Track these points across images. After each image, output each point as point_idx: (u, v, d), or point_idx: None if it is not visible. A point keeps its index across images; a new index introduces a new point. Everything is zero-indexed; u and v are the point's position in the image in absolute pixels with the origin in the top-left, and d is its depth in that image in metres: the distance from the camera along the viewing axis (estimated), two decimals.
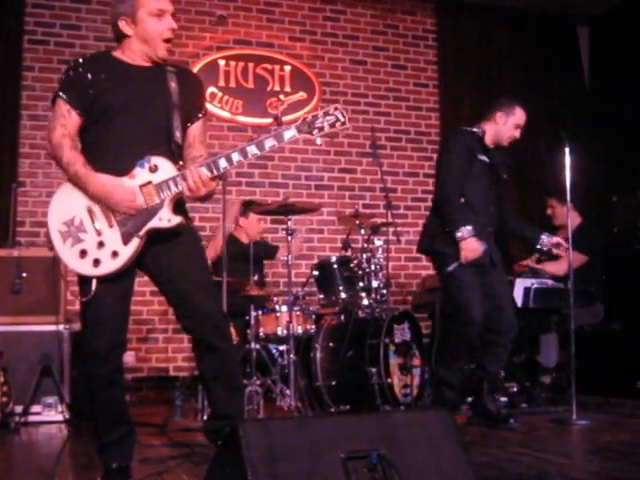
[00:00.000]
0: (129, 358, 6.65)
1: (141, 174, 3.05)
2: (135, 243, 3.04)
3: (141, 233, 3.04)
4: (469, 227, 4.62)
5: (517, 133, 4.89)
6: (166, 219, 3.05)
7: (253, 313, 5.38)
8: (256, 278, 5.59)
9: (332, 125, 3.10)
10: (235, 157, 3.06)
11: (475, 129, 4.92)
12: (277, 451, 2.37)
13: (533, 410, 5.43)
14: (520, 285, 5.57)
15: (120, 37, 3.20)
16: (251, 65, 7.43)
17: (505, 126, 4.86)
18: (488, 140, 4.89)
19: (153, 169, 3.06)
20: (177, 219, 3.07)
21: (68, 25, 6.96)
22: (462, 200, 4.74)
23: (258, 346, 5.29)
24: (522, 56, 8.15)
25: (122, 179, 3.03)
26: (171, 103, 3.15)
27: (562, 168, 4.98)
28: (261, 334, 5.48)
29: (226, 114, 7.32)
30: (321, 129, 3.10)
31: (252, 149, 3.06)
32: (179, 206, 3.17)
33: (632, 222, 6.16)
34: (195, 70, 7.17)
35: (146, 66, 3.19)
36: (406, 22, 8.03)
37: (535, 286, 5.59)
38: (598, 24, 8.40)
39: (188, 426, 4.89)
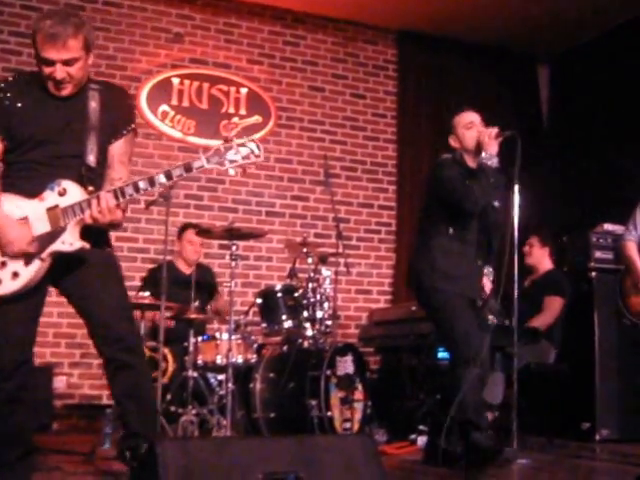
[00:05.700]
0: (59, 384, 6.34)
1: (50, 197, 3.11)
2: (36, 265, 3.07)
3: (43, 255, 3.07)
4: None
5: (473, 132, 4.53)
6: (68, 243, 3.09)
7: (192, 339, 5.19)
8: (197, 304, 5.39)
9: (246, 157, 3.07)
10: (142, 185, 3.06)
11: (447, 155, 4.61)
12: (194, 471, 2.33)
13: None
14: None
15: None
16: (206, 85, 7.22)
17: (460, 137, 4.54)
18: (468, 161, 4.55)
19: (62, 193, 3.10)
20: (79, 244, 3.10)
21: (16, 32, 6.68)
22: (450, 230, 4.44)
23: (196, 374, 5.12)
24: (480, 91, 7.96)
25: (32, 202, 3.09)
26: (88, 126, 3.18)
27: (511, 207, 4.81)
28: (199, 362, 5.27)
29: (177, 134, 7.09)
30: (233, 161, 3.06)
31: (160, 178, 3.07)
32: (88, 230, 3.13)
33: (581, 262, 6.06)
34: (147, 87, 7.01)
35: None
36: (367, 51, 7.90)
37: None
38: (558, 63, 8.37)
39: (116, 455, 4.63)
